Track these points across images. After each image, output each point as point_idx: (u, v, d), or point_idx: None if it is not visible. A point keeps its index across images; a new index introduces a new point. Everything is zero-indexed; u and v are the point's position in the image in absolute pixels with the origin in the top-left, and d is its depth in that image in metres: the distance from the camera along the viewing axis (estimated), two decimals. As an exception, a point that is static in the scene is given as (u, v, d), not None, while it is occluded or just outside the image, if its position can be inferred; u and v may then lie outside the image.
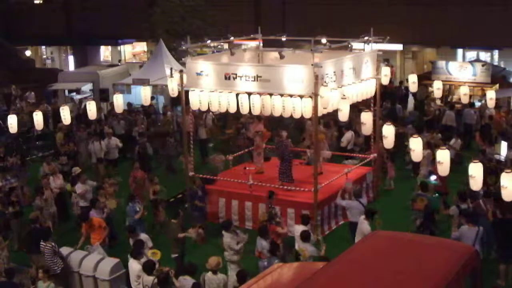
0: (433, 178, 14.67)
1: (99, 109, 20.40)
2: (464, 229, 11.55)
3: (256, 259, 11.57)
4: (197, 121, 18.48)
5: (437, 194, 14.27)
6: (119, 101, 16.76)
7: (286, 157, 14.97)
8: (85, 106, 19.49)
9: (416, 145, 12.81)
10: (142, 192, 15.33)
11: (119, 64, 34.30)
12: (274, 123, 18.55)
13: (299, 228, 11.93)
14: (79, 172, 15.71)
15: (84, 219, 13.02)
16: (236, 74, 13.97)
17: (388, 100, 22.12)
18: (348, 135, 18.63)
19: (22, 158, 18.38)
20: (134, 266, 10.62)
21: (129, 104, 23.43)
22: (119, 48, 38.47)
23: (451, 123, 20.60)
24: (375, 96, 15.85)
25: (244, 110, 14.11)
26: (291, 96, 13.30)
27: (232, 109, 14.29)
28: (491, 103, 18.21)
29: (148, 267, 10.26)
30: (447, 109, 21.20)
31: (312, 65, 12.94)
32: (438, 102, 22.94)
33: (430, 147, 16.08)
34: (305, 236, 11.45)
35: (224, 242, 11.74)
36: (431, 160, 15.43)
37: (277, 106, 13.47)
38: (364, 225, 11.86)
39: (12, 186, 15.80)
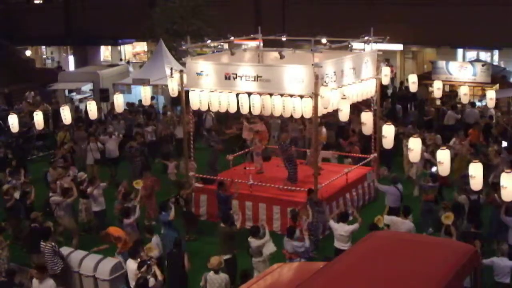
0: (434, 169, 14.70)
1: (99, 109, 20.32)
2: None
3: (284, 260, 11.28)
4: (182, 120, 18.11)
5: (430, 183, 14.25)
6: (119, 101, 16.73)
7: (292, 160, 14.98)
8: (84, 106, 19.36)
9: (415, 145, 12.78)
10: (151, 203, 14.61)
11: (132, 62, 34.35)
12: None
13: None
14: (92, 177, 15.07)
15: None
16: (236, 74, 13.98)
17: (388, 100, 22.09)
18: (323, 131, 18.61)
19: (20, 160, 18.17)
20: (132, 265, 10.63)
21: (140, 102, 23.13)
22: (119, 48, 38.45)
23: (452, 123, 20.57)
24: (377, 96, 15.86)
25: (244, 110, 14.12)
26: (291, 96, 13.31)
27: (232, 109, 14.30)
28: (491, 103, 18.15)
29: (141, 267, 10.28)
30: (449, 110, 21.14)
31: (312, 65, 12.95)
32: (438, 102, 22.91)
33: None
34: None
35: (253, 247, 11.47)
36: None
37: (277, 106, 13.47)
38: (405, 225, 11.79)
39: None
